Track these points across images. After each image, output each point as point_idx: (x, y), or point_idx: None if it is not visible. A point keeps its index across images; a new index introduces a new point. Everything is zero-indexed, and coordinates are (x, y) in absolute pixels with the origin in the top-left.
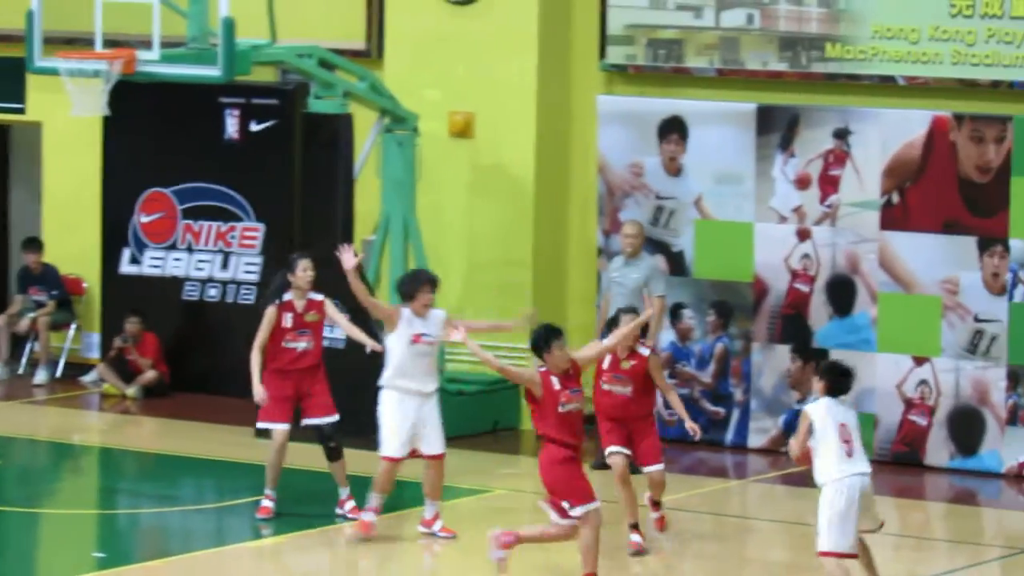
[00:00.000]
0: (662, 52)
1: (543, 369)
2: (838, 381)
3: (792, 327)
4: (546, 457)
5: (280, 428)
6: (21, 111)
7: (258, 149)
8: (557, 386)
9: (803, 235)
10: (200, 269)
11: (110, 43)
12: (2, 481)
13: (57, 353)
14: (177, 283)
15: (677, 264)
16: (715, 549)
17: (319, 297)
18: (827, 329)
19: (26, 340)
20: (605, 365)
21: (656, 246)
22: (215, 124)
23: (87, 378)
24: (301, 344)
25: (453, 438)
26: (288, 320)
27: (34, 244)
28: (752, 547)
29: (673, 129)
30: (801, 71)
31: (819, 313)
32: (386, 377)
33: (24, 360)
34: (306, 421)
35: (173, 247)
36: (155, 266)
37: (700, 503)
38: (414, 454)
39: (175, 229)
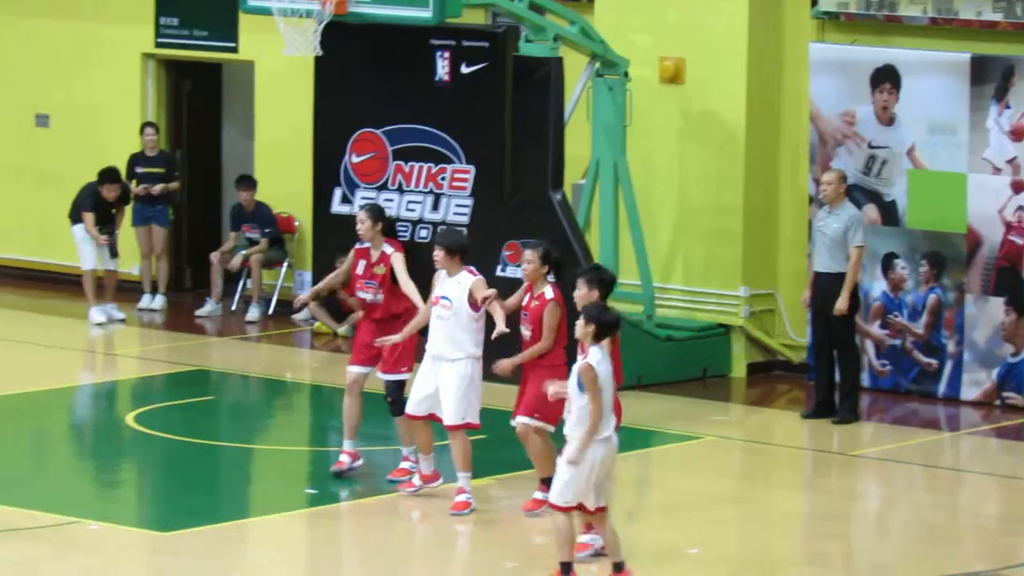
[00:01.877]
0: (875, 0)
1: None
2: (611, 327)
3: (1006, 279)
4: None
5: (351, 371)
6: (234, 50)
7: (469, 91)
8: None
9: (1018, 187)
10: (411, 210)
11: None
12: (215, 417)
13: (269, 291)
14: None
15: (889, 214)
16: (928, 500)
17: (391, 250)
18: None
19: (239, 277)
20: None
21: (868, 195)
22: (426, 66)
23: (299, 316)
24: (368, 295)
25: (662, 384)
26: (360, 267)
27: (247, 182)
28: (965, 500)
29: (886, 78)
30: (1016, 21)
31: None
32: None
33: (237, 297)
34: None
35: (384, 188)
36: None
37: (912, 454)
38: (432, 417)
39: (386, 170)
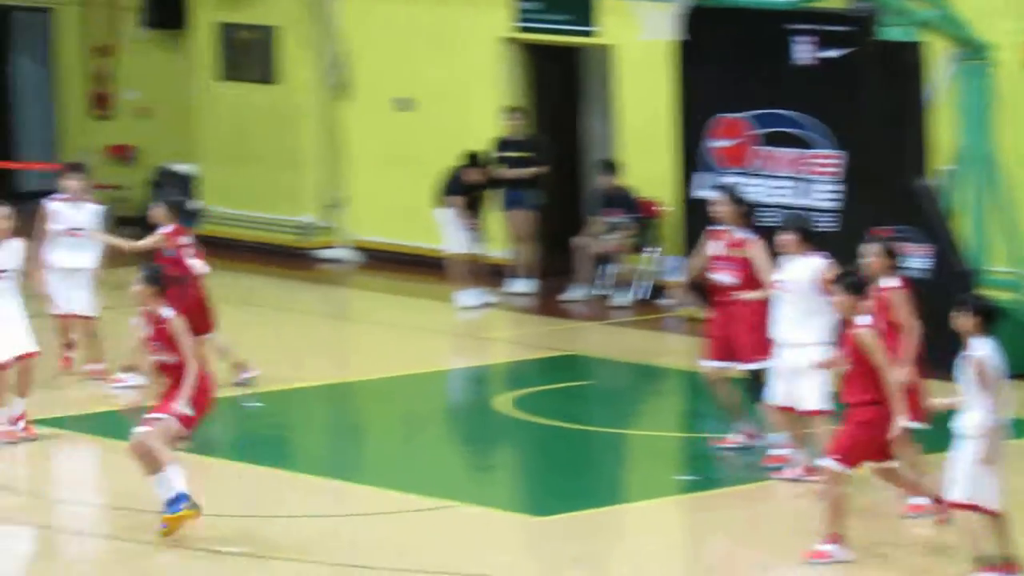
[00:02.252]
0: None
1: None
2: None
3: None
4: None
5: (707, 365)
6: (592, 34)
7: (831, 76)
8: None
9: None
10: (775, 196)
11: None
12: (587, 401)
13: (636, 275)
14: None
15: None
16: None
17: (746, 236)
18: None
19: (605, 261)
20: None
21: None
22: (787, 50)
23: (667, 301)
24: (724, 277)
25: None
26: (716, 249)
27: (610, 166)
28: None
29: None
30: None
31: None
32: None
33: (604, 282)
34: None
35: (748, 172)
36: None
37: None
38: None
39: (750, 155)
